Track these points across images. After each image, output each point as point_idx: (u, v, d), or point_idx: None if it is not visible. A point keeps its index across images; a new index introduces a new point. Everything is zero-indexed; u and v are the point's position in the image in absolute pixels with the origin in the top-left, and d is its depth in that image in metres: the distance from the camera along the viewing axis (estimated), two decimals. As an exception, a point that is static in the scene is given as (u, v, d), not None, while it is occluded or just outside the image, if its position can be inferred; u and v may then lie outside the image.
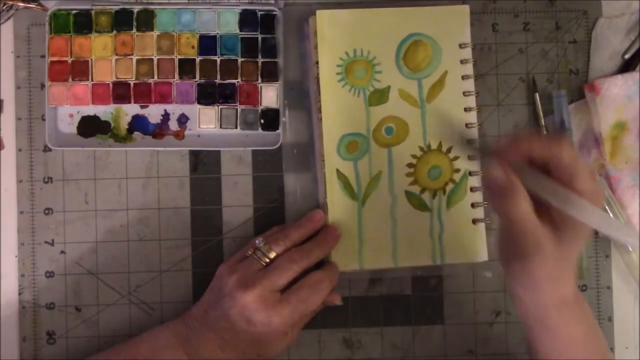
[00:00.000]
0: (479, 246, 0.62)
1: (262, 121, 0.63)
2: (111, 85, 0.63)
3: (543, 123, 0.64)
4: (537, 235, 0.48)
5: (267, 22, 0.63)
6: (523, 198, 0.48)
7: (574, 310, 0.53)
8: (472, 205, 0.62)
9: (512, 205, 0.48)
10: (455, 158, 0.63)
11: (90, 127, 0.64)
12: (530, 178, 0.49)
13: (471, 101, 0.63)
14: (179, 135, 0.64)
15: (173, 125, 0.64)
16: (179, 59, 0.63)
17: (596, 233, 0.64)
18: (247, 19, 0.63)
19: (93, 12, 0.63)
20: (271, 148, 0.63)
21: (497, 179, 0.49)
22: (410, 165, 0.62)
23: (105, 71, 0.63)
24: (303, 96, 0.64)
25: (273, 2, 0.63)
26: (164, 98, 0.63)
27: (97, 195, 0.64)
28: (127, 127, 0.64)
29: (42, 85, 0.63)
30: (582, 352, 0.53)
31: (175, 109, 0.64)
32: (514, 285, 0.54)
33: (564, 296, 0.52)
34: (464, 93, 0.63)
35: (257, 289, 0.55)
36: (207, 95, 0.63)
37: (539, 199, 0.49)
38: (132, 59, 0.63)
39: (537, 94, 0.64)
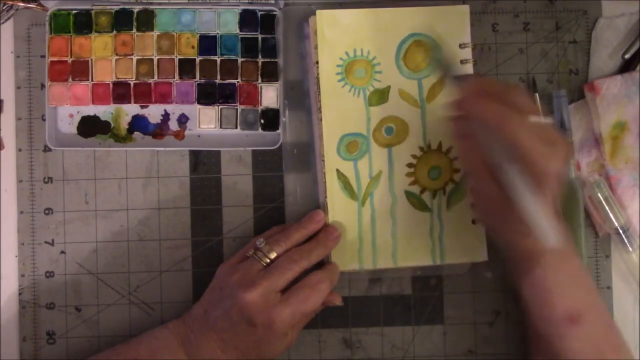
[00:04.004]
0: (479, 246, 0.62)
1: (262, 121, 0.63)
2: (111, 85, 0.63)
3: (543, 123, 0.64)
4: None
5: (267, 22, 0.63)
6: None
7: (562, 258, 0.55)
8: (472, 205, 0.62)
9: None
10: (456, 158, 0.63)
11: (90, 127, 0.64)
12: (484, 133, 0.52)
13: (471, 101, 0.63)
14: (179, 135, 0.64)
15: (173, 125, 0.64)
16: (179, 59, 0.63)
17: (596, 234, 0.64)
18: (247, 19, 0.63)
19: (93, 12, 0.63)
20: (271, 148, 0.63)
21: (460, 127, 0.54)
22: (410, 165, 0.62)
23: (105, 71, 0.63)
24: (303, 96, 0.64)
25: (273, 2, 0.63)
26: (164, 98, 0.63)
27: (97, 195, 0.64)
28: (127, 127, 0.64)
29: (42, 85, 0.63)
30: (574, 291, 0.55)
31: (175, 109, 0.64)
32: (499, 239, 0.58)
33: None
34: (464, 93, 0.63)
35: (257, 290, 0.55)
36: (207, 95, 0.63)
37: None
38: (132, 59, 0.63)
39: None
